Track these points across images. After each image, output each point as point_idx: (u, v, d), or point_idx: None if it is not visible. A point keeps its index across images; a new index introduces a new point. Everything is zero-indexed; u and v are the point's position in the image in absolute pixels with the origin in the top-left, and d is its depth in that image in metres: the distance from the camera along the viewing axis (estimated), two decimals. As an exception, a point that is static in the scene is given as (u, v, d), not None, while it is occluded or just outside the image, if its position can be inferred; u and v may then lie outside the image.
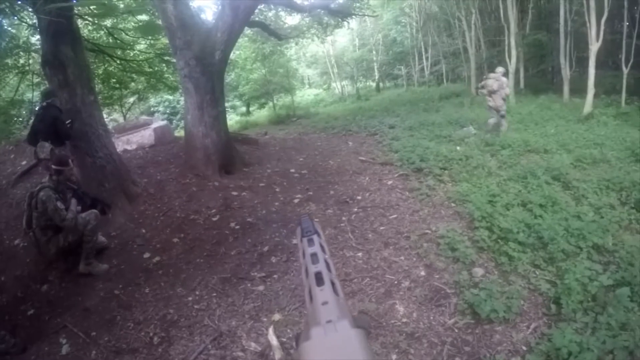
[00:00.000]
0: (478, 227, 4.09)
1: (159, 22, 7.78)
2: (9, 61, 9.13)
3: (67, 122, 4.78)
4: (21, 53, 9.21)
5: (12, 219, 5.13)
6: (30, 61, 9.52)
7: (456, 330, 2.84)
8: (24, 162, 6.70)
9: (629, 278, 3.17)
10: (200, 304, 3.44)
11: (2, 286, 4.03)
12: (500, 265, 3.53)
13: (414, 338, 2.79)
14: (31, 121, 9.79)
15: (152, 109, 22.71)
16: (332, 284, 0.51)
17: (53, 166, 3.87)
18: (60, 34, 5.01)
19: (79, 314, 3.43)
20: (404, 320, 2.96)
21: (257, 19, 11.18)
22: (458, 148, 7.27)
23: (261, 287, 3.54)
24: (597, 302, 2.97)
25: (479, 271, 3.45)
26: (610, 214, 4.38)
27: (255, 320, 3.12)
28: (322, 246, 0.61)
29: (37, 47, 8.86)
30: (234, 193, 5.82)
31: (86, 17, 8.32)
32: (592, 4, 9.85)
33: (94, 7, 6.11)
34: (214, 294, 3.54)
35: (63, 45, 5.05)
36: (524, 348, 2.68)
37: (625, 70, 10.93)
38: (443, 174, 5.96)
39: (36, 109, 10.21)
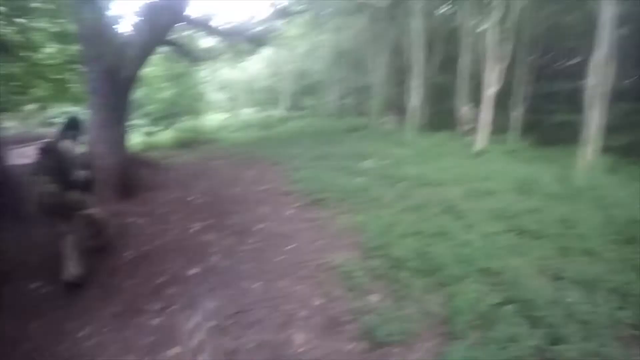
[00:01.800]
0: (374, 256, 4.31)
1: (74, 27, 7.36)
2: None
3: None
4: None
5: None
6: None
7: (355, 356, 2.95)
8: None
9: (514, 296, 3.51)
10: (92, 339, 3.19)
11: None
12: (395, 292, 3.74)
13: (314, 366, 2.83)
14: None
15: (52, 120, 20.73)
16: None
17: None
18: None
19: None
20: (304, 348, 3.01)
21: (172, 37, 10.91)
22: (358, 180, 7.59)
23: (157, 321, 3.39)
24: (486, 319, 3.23)
25: (374, 298, 3.62)
26: (496, 241, 4.80)
27: (152, 356, 2.97)
28: None
29: None
30: (131, 219, 5.56)
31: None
32: (492, 52, 11.08)
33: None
34: (108, 329, 3.31)
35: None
36: (421, 367, 2.84)
37: (516, 112, 12.45)
38: (342, 204, 6.21)
39: None
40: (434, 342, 3.12)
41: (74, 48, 9.77)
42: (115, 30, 7.71)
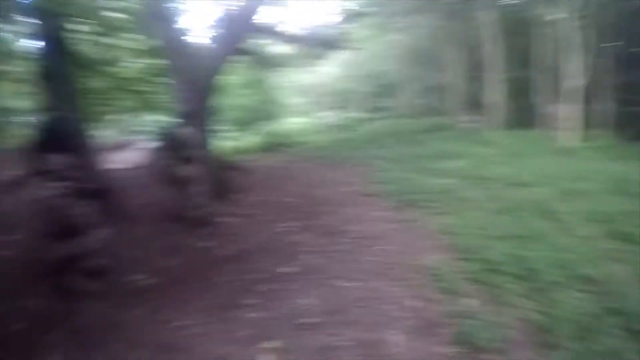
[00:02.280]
0: (466, 259, 4.18)
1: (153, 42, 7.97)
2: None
3: None
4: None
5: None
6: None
7: (451, 360, 2.86)
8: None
9: (616, 307, 3.25)
10: (191, 329, 3.38)
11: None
12: (490, 296, 3.59)
13: (410, 368, 2.79)
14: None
15: (139, 128, 22.47)
16: None
17: None
18: (57, 51, 5.10)
19: (69, 332, 3.32)
20: (399, 349, 2.97)
21: (247, 45, 11.37)
22: (444, 180, 7.43)
23: (254, 314, 3.51)
24: (587, 330, 3.01)
25: (470, 302, 3.50)
26: (595, 246, 4.49)
27: (251, 346, 3.09)
28: None
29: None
30: (225, 220, 5.84)
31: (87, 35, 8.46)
32: (576, 44, 10.28)
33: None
34: (206, 320, 3.49)
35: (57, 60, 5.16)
36: (520, 376, 2.70)
37: (605, 105, 11.44)
38: (429, 206, 6.09)
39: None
40: (532, 350, 2.94)
41: (153, 62, 10.67)
42: (193, 41, 8.25)
